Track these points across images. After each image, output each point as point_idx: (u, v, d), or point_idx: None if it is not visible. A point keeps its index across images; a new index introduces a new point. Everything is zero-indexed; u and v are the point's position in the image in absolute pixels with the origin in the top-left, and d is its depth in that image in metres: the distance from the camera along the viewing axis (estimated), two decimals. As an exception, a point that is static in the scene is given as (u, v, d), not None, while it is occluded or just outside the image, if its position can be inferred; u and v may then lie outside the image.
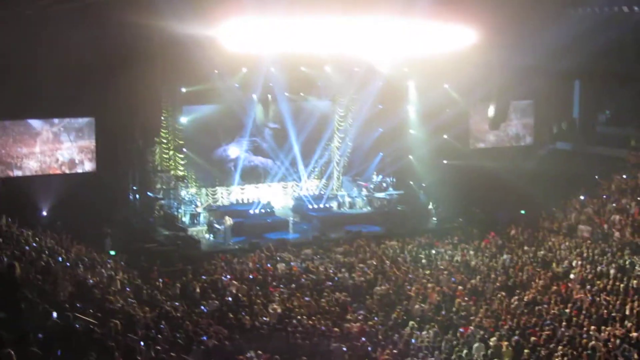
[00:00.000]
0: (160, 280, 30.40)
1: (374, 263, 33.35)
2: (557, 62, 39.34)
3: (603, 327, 22.80)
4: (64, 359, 11.41)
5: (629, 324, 22.82)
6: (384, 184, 47.01)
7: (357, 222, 43.40)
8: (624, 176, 41.36)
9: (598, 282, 27.79)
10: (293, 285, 30.02)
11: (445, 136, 46.86)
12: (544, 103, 49.83)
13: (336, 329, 23.68)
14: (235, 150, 45.07)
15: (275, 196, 46.45)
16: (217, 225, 39.96)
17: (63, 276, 22.62)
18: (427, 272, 31.86)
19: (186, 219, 41.80)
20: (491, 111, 44.93)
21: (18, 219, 30.33)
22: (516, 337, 22.19)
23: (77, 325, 15.38)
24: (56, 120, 38.98)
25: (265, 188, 46.49)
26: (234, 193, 45.59)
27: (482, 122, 47.89)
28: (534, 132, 51.08)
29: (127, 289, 26.15)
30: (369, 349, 21.78)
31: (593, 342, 21.26)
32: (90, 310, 18.58)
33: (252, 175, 46.08)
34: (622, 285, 26.83)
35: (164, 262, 33.56)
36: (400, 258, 34.68)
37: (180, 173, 42.08)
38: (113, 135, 38.79)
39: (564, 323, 23.36)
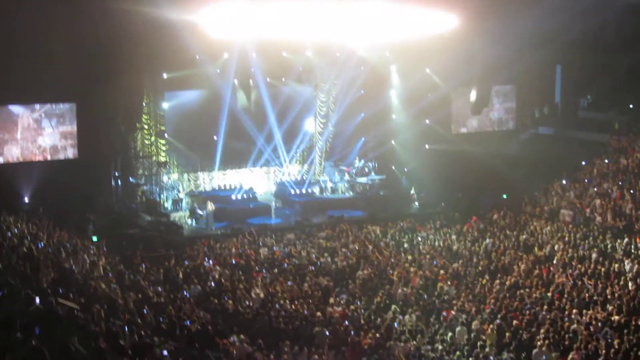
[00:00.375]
0: (143, 265, 30.37)
1: (357, 248, 33.46)
2: (539, 49, 39.50)
3: (585, 311, 22.94)
4: (47, 344, 11.36)
5: (611, 308, 22.96)
6: (366, 169, 47.08)
7: (339, 207, 43.48)
8: (606, 160, 41.50)
9: (579, 266, 27.93)
10: (276, 270, 30.10)
11: (427, 121, 46.92)
12: (526, 88, 49.96)
13: (319, 314, 23.76)
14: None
15: (257, 181, 46.50)
16: (199, 211, 39.94)
17: (45, 262, 22.58)
18: (410, 256, 31.93)
19: (168, 205, 41.83)
20: (473, 96, 45.07)
21: (0, 206, 30.20)
22: (498, 321, 22.31)
23: (60, 311, 15.35)
24: (37, 106, 38.78)
25: (247, 173, 46.49)
26: (216, 178, 45.55)
27: (464, 107, 48.02)
28: (515, 117, 51.18)
29: (110, 274, 26.11)
30: (352, 332, 21.86)
31: (575, 326, 21.42)
32: (72, 296, 18.56)
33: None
34: (603, 269, 26.98)
35: (146, 248, 33.52)
36: (382, 242, 34.79)
37: (162, 159, 41.86)
38: (95, 121, 38.56)
39: (545, 307, 23.51)
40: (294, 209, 43.14)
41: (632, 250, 29.01)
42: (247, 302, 25.19)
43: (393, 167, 47.80)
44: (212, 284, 27.76)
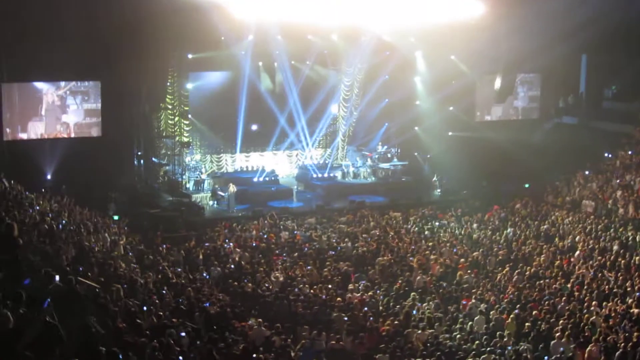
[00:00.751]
0: (164, 245, 30.47)
1: (377, 233, 33.38)
2: (567, 38, 39.20)
3: (604, 303, 22.85)
4: (65, 322, 11.40)
5: (630, 300, 22.83)
6: (389, 155, 46.92)
7: (361, 192, 43.34)
8: (629, 152, 41.16)
9: (600, 257, 27.79)
10: (296, 254, 30.05)
11: (451, 108, 46.67)
12: (551, 77, 49.52)
13: (338, 299, 23.75)
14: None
15: (280, 164, 46.52)
16: (221, 193, 40.01)
17: (66, 240, 22.68)
18: (430, 243, 31.79)
19: (190, 186, 41.95)
20: (497, 84, 44.82)
21: (23, 182, 30.34)
22: (517, 311, 22.23)
23: (80, 290, 15.41)
24: (62, 83, 38.90)
25: (270, 156, 46.52)
26: (238, 160, 45.58)
27: (489, 95, 47.75)
28: (540, 106, 50.83)
29: (130, 254, 26.21)
30: (370, 319, 21.87)
31: (594, 318, 21.33)
32: (92, 275, 18.65)
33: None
34: (624, 261, 26.77)
35: (167, 228, 33.63)
36: (403, 229, 34.70)
37: (185, 139, 41.90)
38: (119, 99, 38.67)
39: (564, 298, 23.42)
40: (316, 193, 43.07)
41: (654, 243, 28.85)
42: (266, 285, 25.24)
43: (416, 154, 47.61)
44: (232, 266, 27.84)
